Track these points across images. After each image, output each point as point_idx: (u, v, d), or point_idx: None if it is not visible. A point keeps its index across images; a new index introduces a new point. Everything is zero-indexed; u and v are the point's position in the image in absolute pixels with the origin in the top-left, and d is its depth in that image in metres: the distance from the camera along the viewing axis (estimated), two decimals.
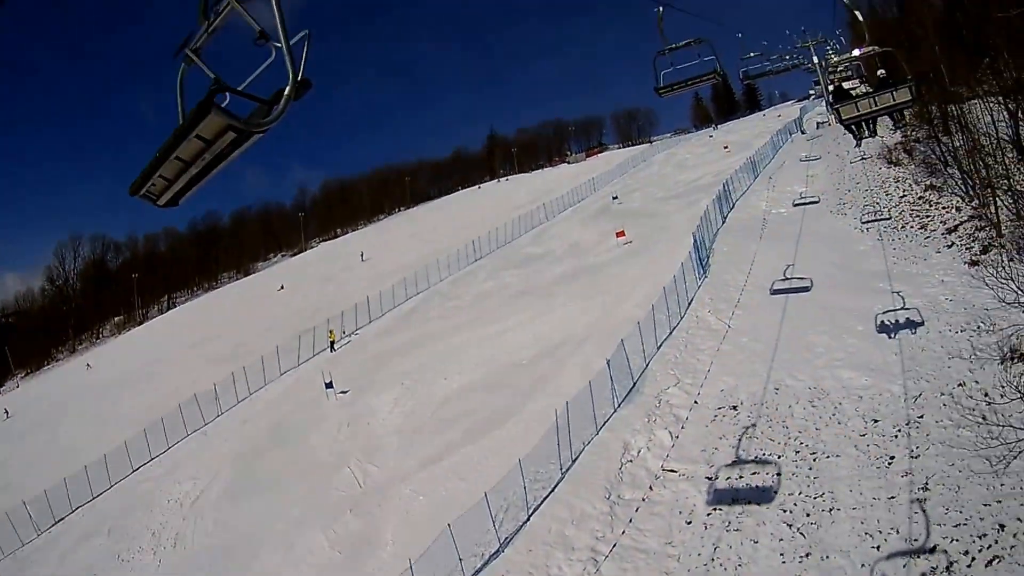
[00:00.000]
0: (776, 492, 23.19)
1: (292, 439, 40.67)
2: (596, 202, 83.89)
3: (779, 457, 24.93)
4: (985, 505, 19.60)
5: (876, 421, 25.18)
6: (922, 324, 28.62)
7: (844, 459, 23.77)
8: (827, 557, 20.01)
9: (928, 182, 47.37)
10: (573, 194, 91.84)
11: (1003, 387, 23.42)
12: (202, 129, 4.38)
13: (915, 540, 19.34)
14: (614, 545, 23.39)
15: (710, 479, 24.85)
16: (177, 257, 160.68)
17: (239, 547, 32.15)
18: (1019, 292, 24.62)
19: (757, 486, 23.93)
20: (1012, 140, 40.59)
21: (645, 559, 22.48)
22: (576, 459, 28.17)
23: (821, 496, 22.38)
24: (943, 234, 40.12)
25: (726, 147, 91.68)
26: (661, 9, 15.23)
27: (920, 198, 45.94)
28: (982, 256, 35.52)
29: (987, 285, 26.84)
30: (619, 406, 30.90)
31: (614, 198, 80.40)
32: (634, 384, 32.24)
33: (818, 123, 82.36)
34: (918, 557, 18.83)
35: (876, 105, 15.27)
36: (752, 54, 52.29)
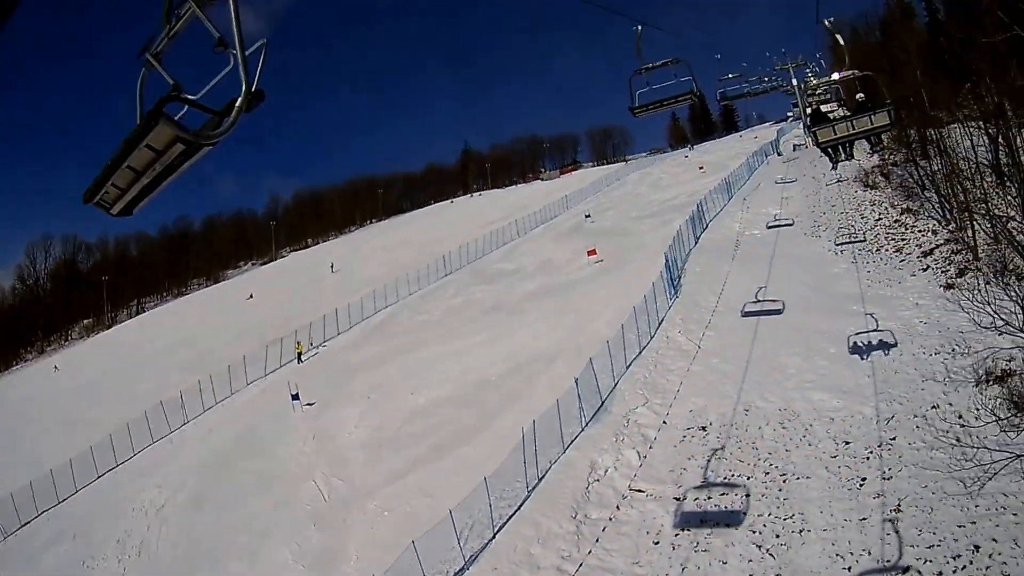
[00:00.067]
0: (745, 514, 23.15)
1: (258, 450, 40.47)
2: (569, 220, 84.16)
3: (748, 478, 24.92)
4: (960, 526, 19.67)
5: (847, 443, 25.28)
6: (895, 346, 28.93)
7: (814, 480, 23.82)
8: None
9: (904, 205, 47.81)
10: (546, 211, 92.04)
11: (978, 409, 23.65)
12: (152, 139, 4.30)
13: (888, 561, 19.36)
14: (580, 565, 23.23)
15: (678, 500, 24.80)
16: (148, 261, 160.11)
17: (204, 558, 31.86)
18: (995, 316, 24.88)
19: (726, 508, 23.88)
20: (991, 164, 41.12)
21: None
22: (543, 477, 28.10)
23: (791, 517, 22.38)
24: (919, 257, 40.52)
25: (701, 168, 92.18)
26: (639, 28, 15.25)
27: (896, 221, 46.35)
28: (958, 279, 35.92)
29: (962, 309, 27.14)
30: (587, 425, 30.90)
31: (587, 216, 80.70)
32: (602, 403, 32.23)
33: (795, 145, 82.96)
34: None
35: (854, 128, 15.31)
36: (730, 75, 52.56)
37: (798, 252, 45.50)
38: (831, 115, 20.63)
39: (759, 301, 34.58)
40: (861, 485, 22.87)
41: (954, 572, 18.42)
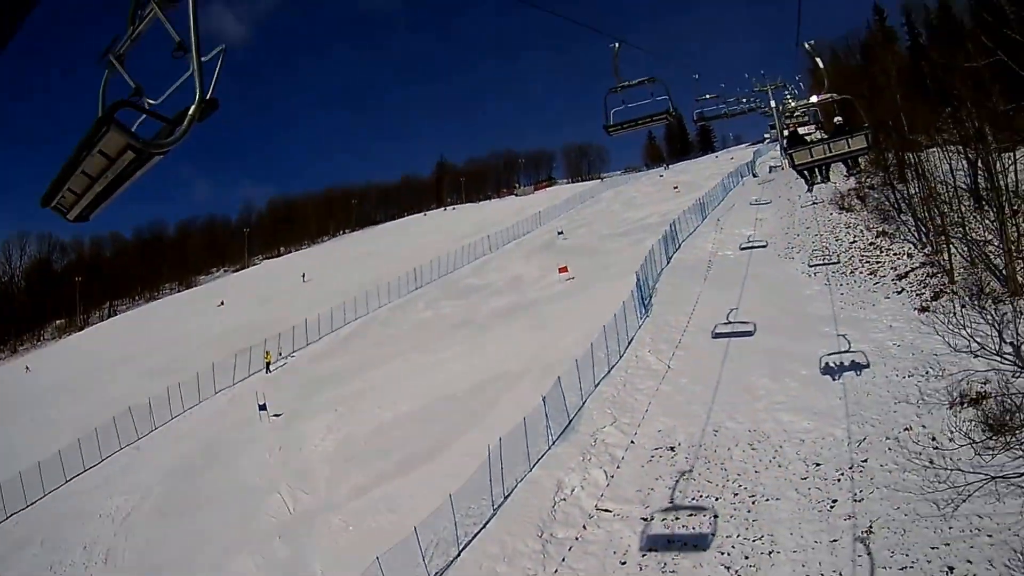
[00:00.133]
0: (713, 535, 23.10)
1: (224, 460, 40.42)
2: (541, 236, 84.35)
3: (717, 499, 24.90)
4: (932, 548, 19.72)
5: (818, 464, 25.32)
6: (867, 366, 29.06)
7: (784, 502, 23.82)
8: None
9: (880, 228, 48.15)
10: (518, 227, 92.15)
11: (951, 432, 23.72)
12: (104, 145, 4.18)
13: None
14: None
15: (645, 520, 24.72)
16: (121, 263, 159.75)
17: (169, 567, 31.65)
18: (971, 339, 25.00)
19: (694, 529, 23.83)
20: (970, 188, 41.50)
21: None
22: (508, 496, 27.97)
23: (760, 539, 22.33)
24: (893, 280, 40.74)
25: (676, 187, 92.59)
26: (617, 45, 15.19)
27: (871, 244, 46.62)
28: (933, 302, 36.16)
29: (937, 332, 27.26)
30: (554, 443, 30.81)
31: (559, 233, 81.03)
32: (570, 422, 32.17)
33: (771, 167, 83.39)
34: None
35: (831, 151, 15.32)
36: (708, 96, 53.15)
37: (771, 274, 45.63)
38: (808, 137, 20.73)
39: (730, 323, 34.62)
40: (832, 507, 22.90)
41: None
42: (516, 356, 42.48)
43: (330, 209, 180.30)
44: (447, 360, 45.63)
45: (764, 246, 48.07)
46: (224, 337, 71.88)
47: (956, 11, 71.01)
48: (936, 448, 23.45)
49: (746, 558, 21.70)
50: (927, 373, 29.03)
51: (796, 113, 62.21)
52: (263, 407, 43.77)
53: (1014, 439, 21.16)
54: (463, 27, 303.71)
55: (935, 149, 46.28)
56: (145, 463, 43.90)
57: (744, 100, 60.45)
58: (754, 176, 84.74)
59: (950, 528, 20.11)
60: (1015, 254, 35.12)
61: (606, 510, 25.89)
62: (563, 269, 58.41)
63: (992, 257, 36.89)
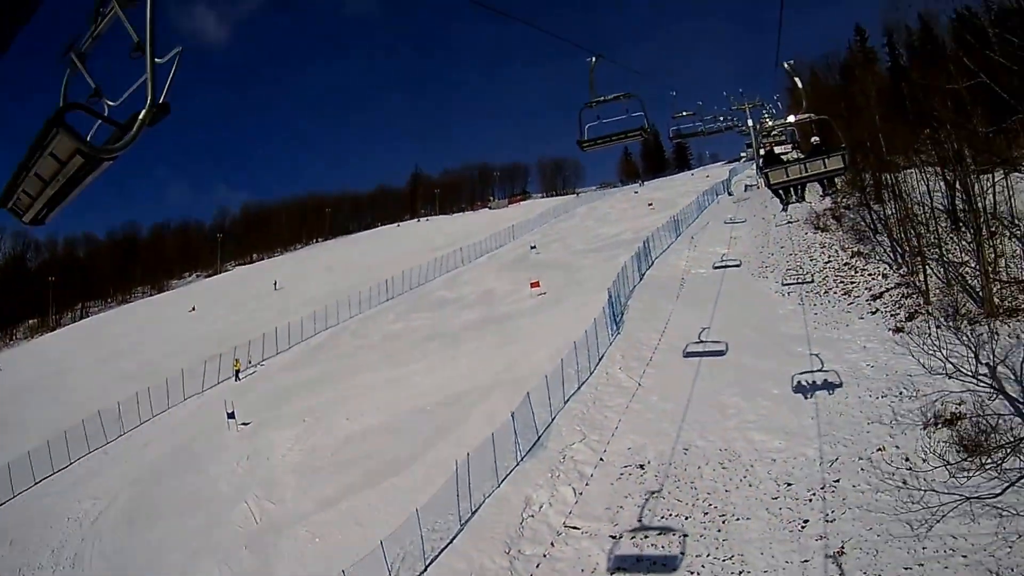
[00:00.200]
0: (683, 555, 23.04)
1: (192, 467, 40.05)
2: (514, 250, 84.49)
3: (686, 519, 24.87)
4: (906, 568, 19.72)
5: (789, 484, 25.34)
6: (840, 386, 29.09)
7: (755, 522, 23.79)
8: None
9: (856, 248, 48.42)
10: (491, 240, 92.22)
11: (925, 453, 23.79)
12: (55, 148, 4.05)
13: None
14: None
15: (614, 538, 24.64)
16: (94, 265, 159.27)
17: (137, 573, 31.36)
18: (946, 360, 25.15)
19: (663, 548, 23.73)
20: (947, 209, 41.80)
21: None
22: (476, 511, 27.81)
23: (731, 559, 22.29)
24: (868, 300, 40.97)
25: (650, 204, 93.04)
26: (594, 59, 15.01)
27: (846, 264, 46.89)
28: (908, 323, 36.36)
29: (911, 354, 27.44)
30: (522, 459, 30.68)
31: (532, 247, 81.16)
32: (538, 438, 32.04)
33: (747, 186, 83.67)
34: None
35: (807, 171, 15.34)
36: (684, 113, 53.17)
37: (744, 292, 45.79)
38: (785, 157, 20.79)
39: (701, 342, 34.66)
40: (803, 527, 22.91)
41: None
42: (486, 370, 42.35)
43: (304, 217, 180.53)
44: (417, 373, 45.42)
45: (738, 265, 48.20)
46: (194, 343, 71.65)
47: (938, 33, 71.54)
48: (910, 469, 23.61)
49: None
50: (901, 394, 29.16)
51: (773, 132, 62.36)
52: (231, 415, 43.45)
53: (989, 460, 21.25)
54: (442, 39, 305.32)
55: (913, 170, 46.64)
56: (113, 468, 43.54)
57: (721, 118, 60.59)
58: (729, 194, 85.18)
59: (924, 549, 20.12)
60: (992, 276, 35.38)
61: (574, 527, 25.79)
62: (535, 284, 58.28)
63: (968, 278, 37.17)
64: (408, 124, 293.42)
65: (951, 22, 53.95)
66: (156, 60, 4.30)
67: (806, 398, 29.64)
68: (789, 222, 55.47)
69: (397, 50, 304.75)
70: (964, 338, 26.20)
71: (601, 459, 29.57)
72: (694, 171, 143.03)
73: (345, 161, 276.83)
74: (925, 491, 20.44)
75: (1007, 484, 21.22)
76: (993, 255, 37.10)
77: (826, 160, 15.07)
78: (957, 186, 41.21)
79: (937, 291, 38.01)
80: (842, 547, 21.28)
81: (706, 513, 24.91)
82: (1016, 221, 37.17)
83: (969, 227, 38.75)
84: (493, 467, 29.67)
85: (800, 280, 42.91)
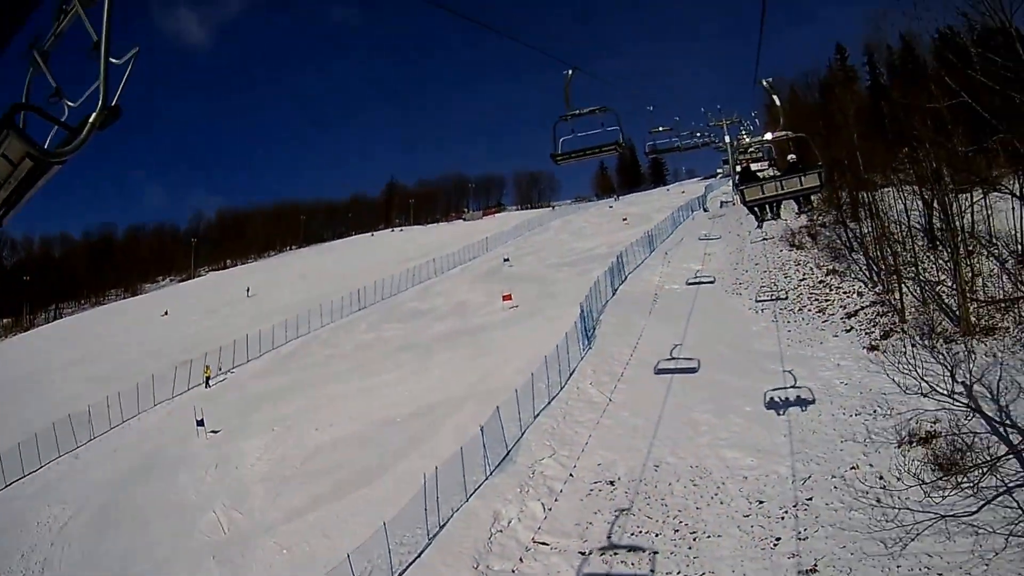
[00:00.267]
0: (653, 573, 22.94)
1: (161, 475, 39.76)
2: (487, 262, 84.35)
3: (657, 535, 24.76)
4: None
5: (761, 502, 25.29)
6: (813, 402, 28.97)
7: (726, 539, 23.70)
8: None
9: (831, 266, 48.65)
10: (465, 252, 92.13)
11: (900, 471, 23.79)
12: (7, 149, 3.88)
13: None
14: None
15: (583, 554, 24.50)
16: (70, 265, 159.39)
17: None
18: (921, 380, 25.20)
19: (633, 565, 23.65)
20: (924, 228, 42.02)
21: None
22: (444, 525, 27.61)
23: None
24: (842, 318, 41.14)
25: (625, 219, 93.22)
26: (570, 72, 14.80)
27: (821, 282, 47.08)
28: (882, 341, 36.51)
29: (887, 374, 27.51)
30: (491, 474, 30.49)
31: (505, 260, 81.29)
32: (508, 452, 31.87)
33: (722, 202, 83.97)
34: None
35: (783, 189, 15.32)
36: (661, 128, 53.17)
37: (717, 309, 45.90)
38: (761, 174, 20.76)
39: (673, 359, 34.44)
40: (775, 544, 22.84)
41: None
42: (457, 383, 42.23)
43: (278, 224, 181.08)
44: (387, 384, 45.20)
45: (712, 281, 48.16)
46: (166, 348, 71.18)
47: (920, 52, 72.18)
48: (884, 487, 23.56)
49: None
50: (875, 412, 29.27)
51: (750, 149, 62.58)
52: (201, 423, 43.26)
53: (965, 479, 21.26)
54: (421, 49, 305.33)
55: (890, 189, 46.91)
56: (83, 473, 43.20)
57: (698, 134, 60.58)
58: (705, 211, 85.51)
59: (898, 567, 20.08)
60: (969, 295, 35.58)
61: (543, 543, 25.62)
62: (507, 297, 58.20)
63: (945, 297, 37.37)
64: (385, 133, 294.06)
65: (933, 41, 54.39)
66: (113, 61, 4.14)
67: (779, 414, 29.62)
68: (764, 239, 55.57)
69: (376, 59, 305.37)
70: (940, 357, 26.30)
71: (571, 475, 29.45)
72: (670, 187, 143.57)
73: (321, 169, 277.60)
74: (900, 509, 20.45)
75: (983, 502, 21.28)
76: (970, 274, 37.33)
77: (802, 178, 15.07)
78: (935, 205, 41.48)
79: (913, 309, 38.23)
80: (815, 565, 21.21)
81: (676, 530, 24.81)
82: (994, 240, 37.41)
83: (946, 246, 39.02)
84: (462, 481, 29.45)
85: (774, 297, 42.95)
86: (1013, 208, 38.33)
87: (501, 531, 26.83)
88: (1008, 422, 24.88)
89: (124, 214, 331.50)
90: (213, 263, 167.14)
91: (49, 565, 33.65)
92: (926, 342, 32.48)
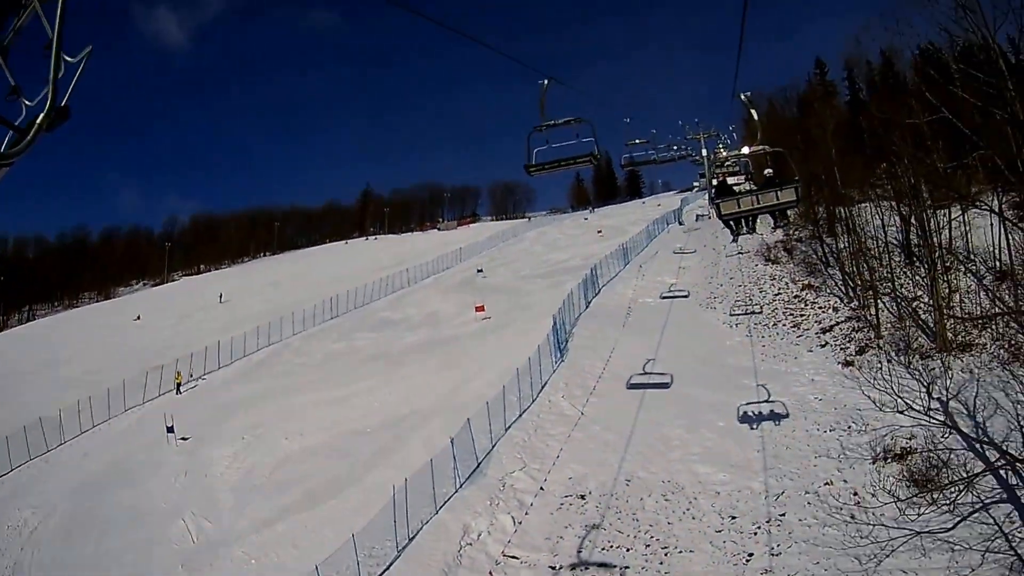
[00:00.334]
0: None
1: (130, 481, 39.35)
2: (461, 273, 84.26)
3: (628, 550, 24.61)
4: None
5: (734, 517, 25.19)
6: (787, 416, 29.00)
7: (698, 555, 23.58)
8: None
9: (806, 281, 48.80)
10: (439, 262, 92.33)
11: (874, 487, 23.78)
12: None
13: None
14: None
15: (553, 568, 24.36)
16: (44, 267, 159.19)
17: None
18: (898, 397, 25.22)
19: None
20: (901, 244, 42.20)
21: None
22: (413, 538, 27.36)
23: None
24: (817, 333, 41.24)
25: (600, 231, 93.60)
26: (546, 82, 14.75)
27: (796, 296, 47.23)
28: (857, 357, 36.57)
29: (863, 392, 27.55)
30: (461, 486, 30.27)
31: (479, 271, 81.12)
32: (478, 465, 31.70)
33: (698, 216, 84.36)
34: None
35: (759, 203, 15.34)
36: (637, 140, 53.24)
37: (692, 323, 45.96)
38: (738, 188, 20.76)
39: (646, 373, 34.39)
40: (748, 560, 22.73)
41: None
42: (429, 393, 42.07)
43: (253, 230, 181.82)
44: (358, 394, 45.00)
45: (686, 296, 48.20)
46: (138, 352, 70.96)
47: (900, 68, 72.67)
48: (858, 503, 23.56)
49: None
50: (849, 427, 29.28)
51: (727, 163, 62.76)
52: (171, 429, 42.93)
53: (942, 495, 21.27)
54: (398, 57, 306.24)
55: (867, 204, 47.14)
56: (53, 477, 42.91)
57: (675, 147, 60.72)
58: (680, 224, 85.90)
59: None
60: (946, 311, 35.73)
61: (513, 557, 25.46)
62: (480, 308, 58.16)
63: (921, 313, 37.51)
64: (360, 141, 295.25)
65: (914, 57, 54.75)
66: (67, 59, 4.01)
67: (752, 428, 29.65)
68: (740, 253, 55.73)
69: (353, 66, 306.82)
70: (916, 373, 26.35)
71: (541, 488, 29.30)
72: (646, 199, 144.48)
73: (296, 176, 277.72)
74: (874, 526, 20.44)
75: (959, 518, 21.30)
76: (947, 290, 37.52)
77: (779, 192, 15.11)
78: (912, 221, 41.67)
79: (889, 325, 38.35)
80: None
81: (648, 545, 24.68)
82: (972, 256, 37.60)
83: (923, 262, 39.18)
84: (432, 493, 29.24)
85: (748, 311, 43.05)
86: (992, 224, 38.59)
87: (471, 544, 26.58)
88: (985, 438, 24.99)
89: (98, 216, 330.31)
90: (186, 268, 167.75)
91: (19, 568, 33.30)
92: (902, 358, 32.61)
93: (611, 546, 25.04)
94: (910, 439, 26.24)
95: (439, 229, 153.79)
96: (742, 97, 19.26)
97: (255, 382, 52.99)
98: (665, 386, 31.94)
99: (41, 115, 3.88)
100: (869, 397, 27.23)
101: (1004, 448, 23.37)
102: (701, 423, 32.16)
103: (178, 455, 41.19)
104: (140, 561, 31.17)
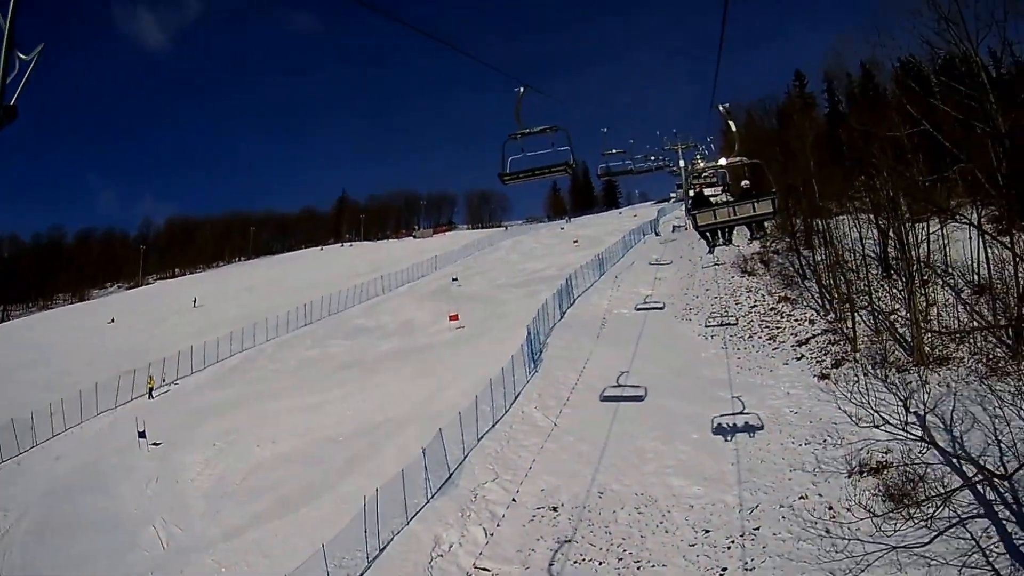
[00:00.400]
0: None
1: (102, 486, 39.05)
2: (436, 281, 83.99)
3: (600, 564, 24.50)
4: None
5: (707, 531, 25.12)
6: (761, 428, 28.85)
7: (671, 569, 23.49)
8: None
9: (783, 293, 48.88)
10: (414, 270, 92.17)
11: (850, 501, 23.76)
12: None
13: None
14: None
15: None
16: (19, 267, 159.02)
17: None
18: (875, 412, 25.23)
19: None
20: (879, 257, 42.33)
21: None
22: (384, 548, 27.19)
23: None
24: (793, 346, 41.29)
25: (576, 241, 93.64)
26: (522, 89, 14.68)
27: (772, 309, 47.28)
28: (833, 370, 36.61)
29: (839, 407, 27.56)
30: (433, 497, 30.13)
31: (454, 279, 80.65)
32: (450, 475, 31.54)
33: (674, 226, 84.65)
34: None
35: (735, 214, 15.30)
36: (614, 150, 53.32)
37: (667, 334, 45.96)
38: (714, 199, 20.75)
39: (620, 386, 34.26)
40: (721, 574, 22.67)
41: None
42: (402, 402, 41.92)
43: (228, 234, 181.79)
44: (331, 401, 44.88)
45: (661, 307, 48.13)
46: (111, 355, 70.41)
47: (880, 80, 73.11)
48: (833, 518, 23.53)
49: None
50: (825, 441, 29.28)
51: (705, 174, 62.89)
52: (143, 434, 42.79)
53: (918, 510, 21.26)
54: (376, 64, 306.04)
55: (845, 216, 47.29)
56: (24, 479, 42.58)
57: (652, 157, 60.82)
58: (656, 235, 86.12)
59: None
60: (923, 324, 35.84)
61: (484, 569, 25.31)
62: (454, 317, 58.02)
63: (898, 326, 37.61)
64: (338, 147, 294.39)
65: (895, 70, 55.09)
66: (20, 56, 3.92)
67: (726, 441, 29.60)
68: (716, 265, 55.85)
69: (330, 72, 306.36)
70: (893, 387, 26.33)
71: (514, 499, 29.18)
72: (622, 210, 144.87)
73: (273, 181, 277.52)
74: (849, 540, 20.41)
75: (936, 533, 21.29)
76: (925, 304, 37.64)
77: (755, 204, 15.04)
78: (891, 233, 41.78)
79: (866, 338, 38.41)
80: None
81: (620, 559, 24.57)
82: (950, 270, 37.75)
83: (901, 275, 39.29)
84: (403, 504, 29.11)
85: (724, 323, 43.11)
86: (970, 238, 38.77)
87: (442, 556, 26.45)
88: (962, 453, 25.03)
89: (74, 217, 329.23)
90: (161, 271, 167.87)
91: None
92: (879, 371, 32.63)
93: (583, 559, 24.91)
94: (886, 453, 26.25)
95: (415, 237, 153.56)
96: (721, 108, 19.21)
97: (228, 388, 52.73)
98: (639, 399, 31.84)
99: None
100: (845, 412, 27.24)
101: (981, 463, 23.45)
102: (675, 435, 32.10)
103: (150, 460, 40.98)
104: (111, 566, 30.98)
